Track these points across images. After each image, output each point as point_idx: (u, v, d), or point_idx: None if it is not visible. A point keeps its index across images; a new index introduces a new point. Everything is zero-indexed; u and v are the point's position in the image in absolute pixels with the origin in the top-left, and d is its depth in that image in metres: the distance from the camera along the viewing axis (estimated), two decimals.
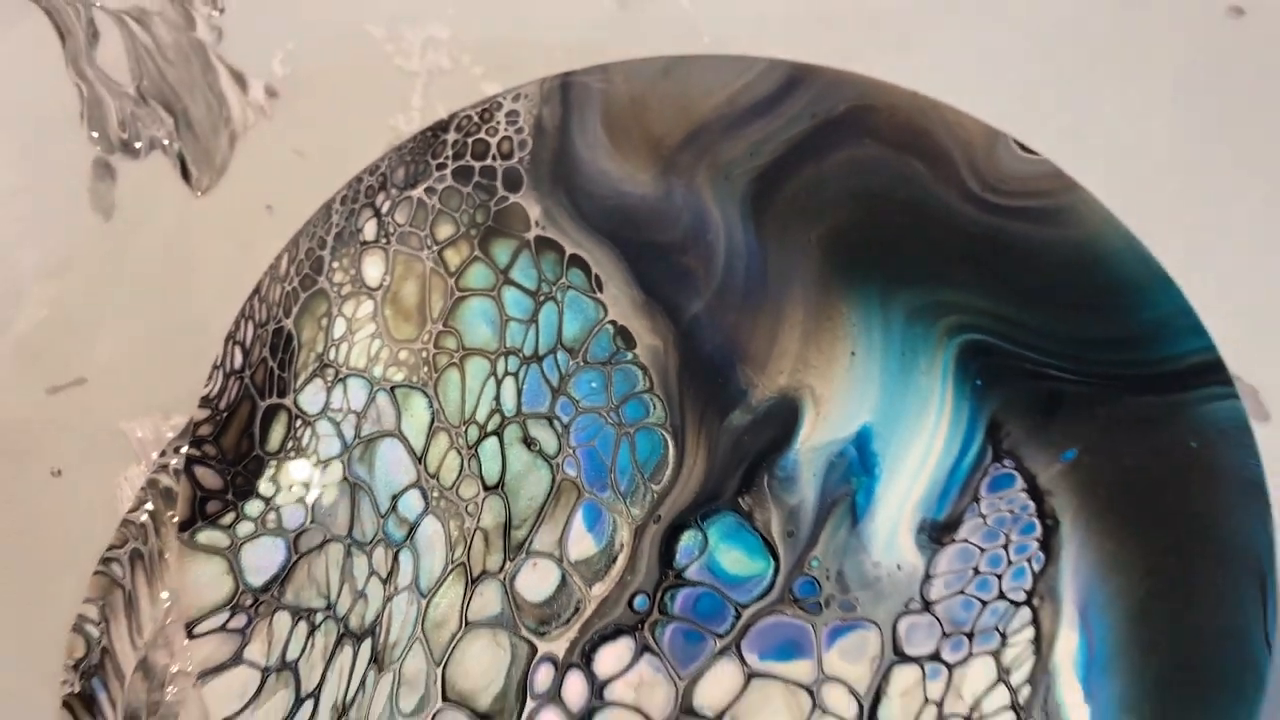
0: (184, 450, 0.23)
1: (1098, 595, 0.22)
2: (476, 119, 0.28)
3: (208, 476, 0.23)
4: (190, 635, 0.21)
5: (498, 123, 0.28)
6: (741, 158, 0.27)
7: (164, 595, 0.25)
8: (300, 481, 0.23)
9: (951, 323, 0.25)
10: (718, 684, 0.21)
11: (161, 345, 0.29)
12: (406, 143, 0.28)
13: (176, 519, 0.23)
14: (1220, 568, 0.22)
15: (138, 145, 0.32)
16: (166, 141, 0.32)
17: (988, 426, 0.23)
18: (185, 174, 0.31)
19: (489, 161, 0.27)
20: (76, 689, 0.24)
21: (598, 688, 0.21)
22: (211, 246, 0.30)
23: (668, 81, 0.28)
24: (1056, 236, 0.26)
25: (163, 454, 0.27)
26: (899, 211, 0.26)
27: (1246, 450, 0.23)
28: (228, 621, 0.21)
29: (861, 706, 0.21)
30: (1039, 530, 0.22)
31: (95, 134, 0.32)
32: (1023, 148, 0.27)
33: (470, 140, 0.27)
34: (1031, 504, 0.23)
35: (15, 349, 0.29)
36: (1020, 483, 0.23)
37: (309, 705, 0.21)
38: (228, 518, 0.22)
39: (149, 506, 0.26)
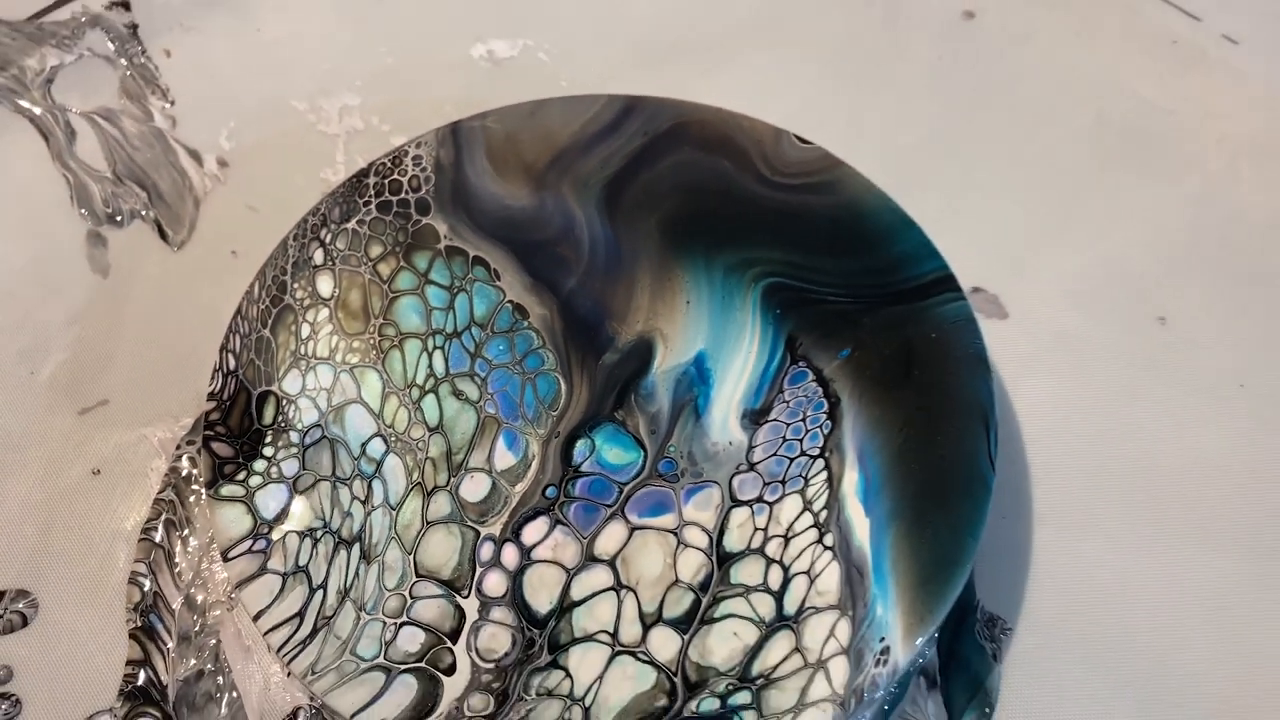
0: (202, 433, 0.32)
1: (869, 445, 0.31)
2: (389, 164, 0.36)
3: (222, 448, 0.31)
4: (225, 560, 0.29)
5: (406, 165, 0.36)
6: (595, 170, 0.36)
7: (192, 547, 0.33)
8: (292, 443, 0.31)
9: (756, 272, 0.34)
10: (610, 537, 0.30)
11: (163, 367, 0.37)
12: (338, 188, 0.36)
13: (203, 480, 0.31)
14: (955, 416, 0.31)
15: (119, 217, 0.40)
16: (144, 211, 0.40)
17: (786, 341, 0.33)
18: (163, 235, 0.40)
19: (403, 195, 0.36)
20: (139, 624, 0.32)
21: (526, 552, 0.30)
22: (192, 288, 0.38)
23: (533, 119, 0.37)
24: (828, 202, 0.35)
25: (178, 447, 0.35)
26: (713, 197, 0.35)
27: (972, 336, 0.33)
28: (251, 546, 0.30)
29: (711, 538, 0.30)
30: (826, 406, 0.32)
31: (84, 212, 0.40)
32: (800, 140, 0.36)
33: (387, 181, 0.36)
34: (819, 389, 0.32)
35: (49, 384, 0.36)
36: (811, 376, 0.32)
37: (320, 593, 0.29)
38: (241, 475, 0.31)
39: (173, 487, 0.34)
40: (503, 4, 0.44)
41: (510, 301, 0.34)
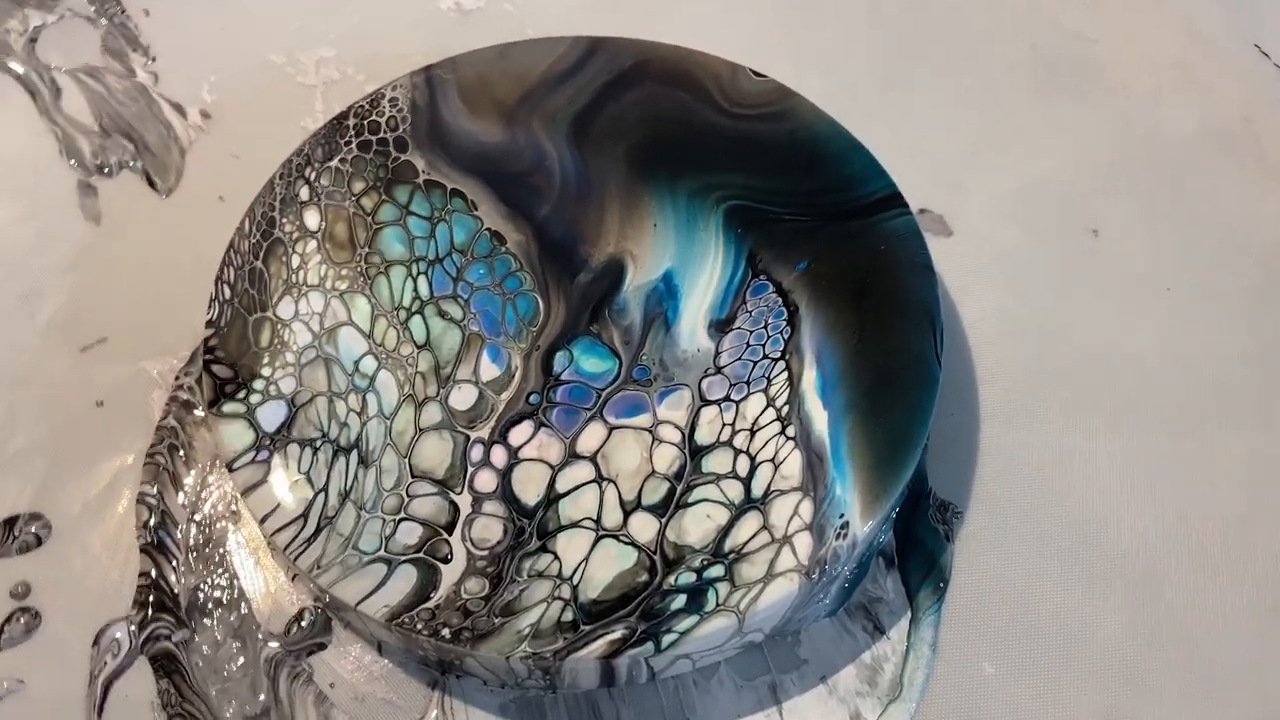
0: (201, 358, 0.34)
1: (826, 346, 0.34)
2: (368, 106, 0.38)
3: (221, 370, 0.33)
4: (230, 470, 0.32)
5: (383, 107, 0.38)
6: (563, 106, 0.38)
7: (195, 468, 0.36)
8: (288, 363, 0.33)
9: (718, 195, 0.37)
10: (591, 436, 0.32)
11: (158, 305, 0.39)
12: (320, 130, 0.38)
13: (205, 399, 0.33)
14: (904, 319, 0.34)
15: (108, 169, 0.42)
16: (131, 162, 0.42)
17: (748, 257, 0.35)
18: (151, 183, 0.41)
19: (382, 134, 0.38)
20: (149, 540, 0.34)
21: (513, 452, 0.32)
22: (181, 232, 0.40)
23: (503, 61, 0.40)
24: (783, 129, 0.38)
25: (176, 378, 0.37)
26: (675, 127, 0.38)
27: (917, 246, 0.35)
28: (255, 457, 0.32)
29: (683, 433, 0.32)
30: (786, 314, 0.34)
31: (74, 163, 0.42)
32: (755, 73, 0.39)
33: (365, 122, 0.38)
34: (779, 299, 0.34)
35: (49, 325, 0.38)
36: (771, 288, 0.35)
37: (322, 496, 0.31)
38: (241, 394, 0.33)
39: (173, 415, 0.37)
40: None
41: (488, 229, 0.36)
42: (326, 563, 0.31)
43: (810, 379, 0.33)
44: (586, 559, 0.31)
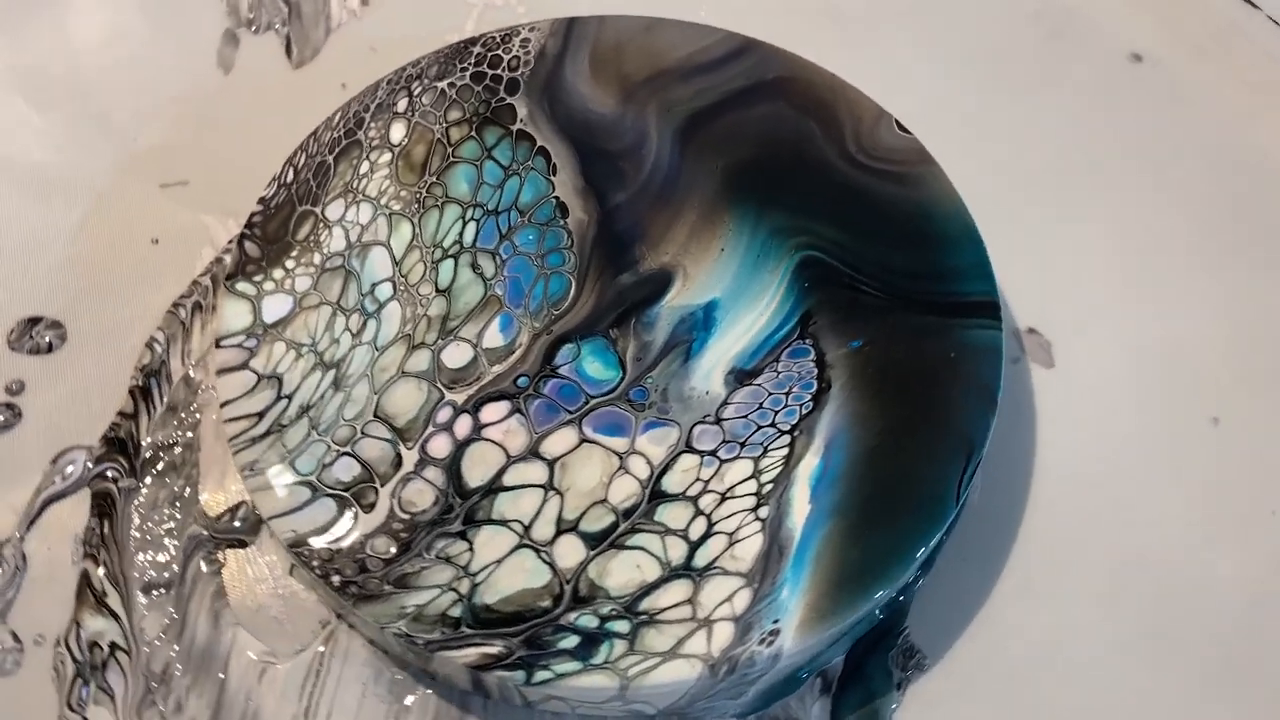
0: (243, 230, 0.34)
1: (843, 437, 0.30)
2: (499, 39, 0.37)
3: (252, 248, 0.33)
4: (217, 345, 0.32)
5: (514, 45, 0.37)
6: (685, 99, 0.36)
7: (208, 333, 0.36)
8: (313, 263, 0.33)
9: (801, 241, 0.34)
10: (560, 440, 0.30)
11: (245, 168, 0.39)
12: (446, 49, 0.37)
13: (227, 271, 0.33)
14: (940, 438, 0.31)
15: (256, 26, 0.42)
16: (279, 25, 0.42)
17: (803, 315, 0.32)
18: (288, 51, 0.42)
19: (499, 71, 0.37)
20: (140, 383, 0.35)
21: (478, 427, 0.31)
22: (295, 105, 0.41)
23: (647, 35, 0.38)
24: (903, 195, 0.34)
25: (229, 242, 0.38)
26: (789, 157, 0.35)
27: (991, 369, 0.31)
28: (243, 342, 0.32)
29: (652, 473, 0.30)
30: (814, 389, 0.31)
31: (229, 10, 0.43)
32: (901, 127, 0.35)
33: (490, 54, 0.37)
34: (815, 370, 0.31)
35: (143, 151, 0.39)
36: (812, 355, 0.32)
37: (284, 402, 0.31)
38: (258, 277, 0.33)
39: (211, 275, 0.37)
40: None
41: (556, 198, 0.34)
42: (259, 467, 0.30)
43: (809, 466, 0.30)
44: (499, 562, 0.29)
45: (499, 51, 0.37)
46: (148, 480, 0.33)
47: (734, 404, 0.31)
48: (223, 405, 0.31)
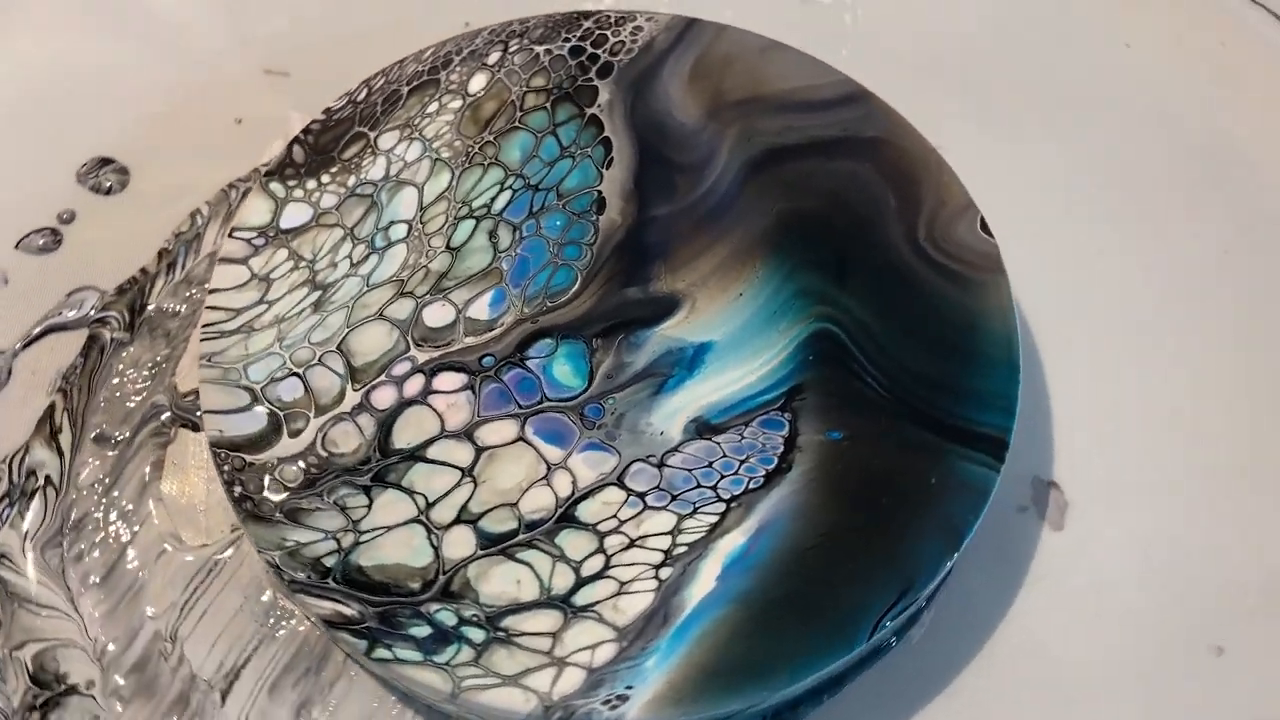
0: (299, 134, 0.34)
1: (779, 526, 0.28)
2: (613, 20, 0.36)
3: (298, 153, 0.34)
4: (230, 235, 0.32)
5: (625, 29, 0.36)
6: (770, 132, 0.34)
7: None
8: (346, 185, 0.33)
9: (824, 311, 0.31)
10: (497, 431, 0.30)
11: (345, 78, 0.40)
12: (558, 14, 0.37)
13: (268, 168, 0.34)
14: (881, 564, 0.28)
15: None
16: None
17: (793, 387, 0.30)
18: None
19: (598, 52, 0.36)
20: (169, 247, 0.36)
21: (426, 391, 0.30)
22: (409, 27, 0.41)
23: (759, 56, 0.36)
24: (955, 296, 0.32)
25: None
26: (850, 222, 0.33)
27: (969, 510, 0.29)
28: (253, 238, 0.32)
29: (573, 493, 0.29)
30: (772, 466, 0.29)
31: None
32: (985, 228, 0.33)
33: (598, 32, 0.36)
34: (782, 449, 0.29)
35: (259, 36, 0.41)
36: (785, 432, 0.30)
37: (263, 306, 0.31)
38: (293, 182, 0.33)
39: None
40: None
41: (599, 191, 0.33)
42: (216, 361, 0.31)
43: (732, 543, 0.28)
44: (388, 529, 0.28)
45: (608, 32, 0.36)
46: (139, 340, 0.35)
47: (684, 453, 0.29)
48: (210, 292, 0.32)
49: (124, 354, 0.34)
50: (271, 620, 0.31)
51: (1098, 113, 0.39)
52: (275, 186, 0.33)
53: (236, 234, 0.33)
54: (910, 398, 0.30)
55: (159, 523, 0.32)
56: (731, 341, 0.31)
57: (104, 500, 0.32)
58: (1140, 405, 0.34)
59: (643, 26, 0.37)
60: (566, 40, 0.36)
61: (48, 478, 0.32)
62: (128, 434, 0.33)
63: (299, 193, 0.33)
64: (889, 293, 0.32)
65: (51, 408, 0.33)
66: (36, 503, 0.32)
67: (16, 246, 0.36)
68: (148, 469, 0.33)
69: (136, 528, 0.32)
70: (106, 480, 0.32)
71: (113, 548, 0.31)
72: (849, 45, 0.41)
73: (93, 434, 0.33)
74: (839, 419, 0.30)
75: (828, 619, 0.27)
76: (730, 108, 0.35)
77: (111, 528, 0.32)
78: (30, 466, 0.32)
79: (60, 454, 0.33)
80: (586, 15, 0.37)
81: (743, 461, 0.29)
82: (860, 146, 0.34)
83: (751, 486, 0.29)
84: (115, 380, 0.34)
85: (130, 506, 0.32)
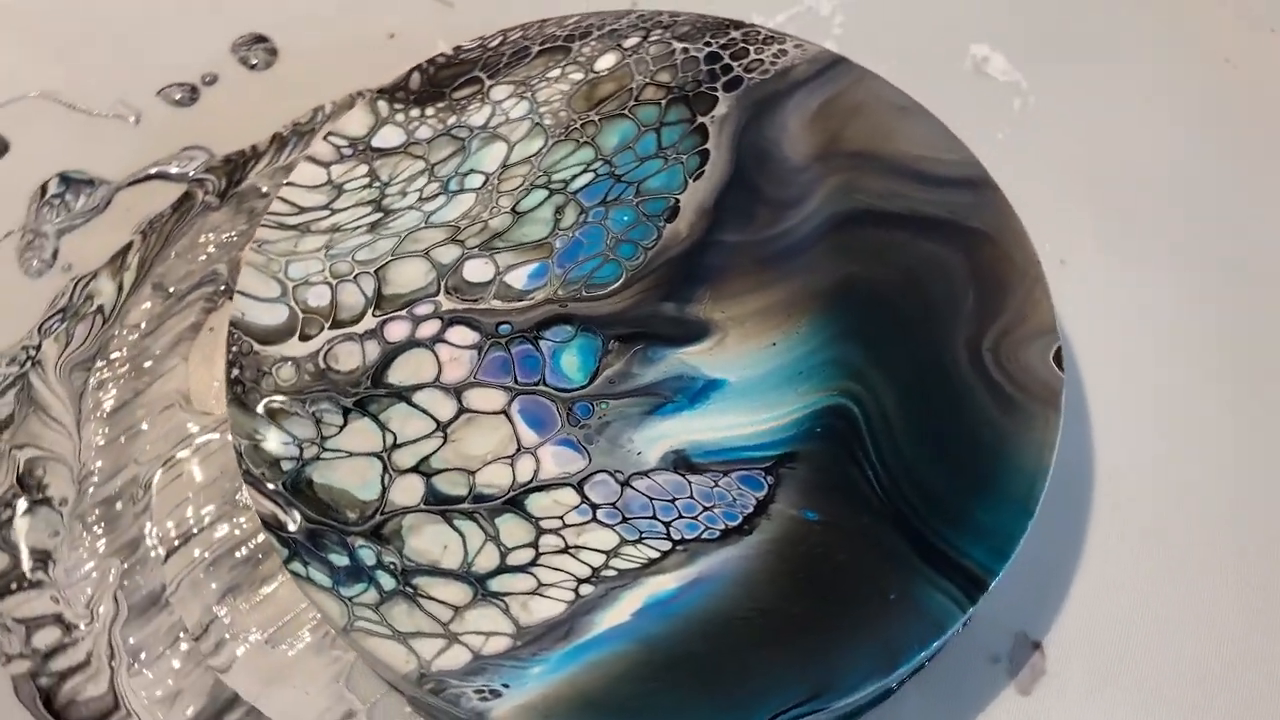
0: (423, 63, 0.35)
1: (715, 585, 0.27)
2: (759, 37, 0.36)
3: (415, 80, 0.35)
4: (324, 138, 0.34)
5: (770, 50, 0.36)
6: (872, 193, 0.33)
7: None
8: (443, 123, 0.34)
9: (851, 387, 0.30)
10: (484, 397, 0.30)
11: (503, 13, 0.40)
12: (710, 18, 0.36)
13: (379, 89, 0.35)
14: (800, 659, 0.27)
15: None
16: None
17: (787, 453, 0.29)
18: None
19: (734, 64, 0.35)
20: (284, 134, 0.38)
21: (436, 339, 0.31)
22: None
23: (892, 115, 0.35)
24: (994, 418, 0.30)
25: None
26: (918, 308, 0.31)
27: (917, 640, 0.27)
28: (342, 147, 0.33)
29: (533, 479, 0.29)
30: (734, 524, 0.28)
31: None
32: (1058, 360, 0.30)
33: (741, 45, 0.36)
34: (750, 511, 0.28)
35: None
36: (761, 494, 0.29)
37: (325, 212, 0.32)
38: (399, 105, 0.34)
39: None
40: None
41: (678, 199, 0.33)
42: (264, 248, 0.32)
43: (662, 584, 0.28)
44: (349, 455, 0.29)
45: (751, 47, 0.36)
46: (226, 208, 0.37)
47: (652, 480, 0.29)
48: (285, 184, 0.33)
49: (209, 218, 0.36)
50: (234, 505, 0.32)
51: (1233, 276, 0.35)
52: (381, 105, 0.34)
53: (330, 138, 0.34)
54: (903, 503, 0.28)
55: (176, 381, 0.34)
56: (745, 387, 0.30)
57: (140, 343, 0.34)
58: (1163, 610, 0.30)
59: (788, 51, 0.36)
60: (708, 44, 0.36)
61: (100, 307, 0.34)
62: (182, 290, 0.35)
63: (400, 117, 0.34)
64: (927, 391, 0.30)
65: (128, 246, 0.36)
66: (83, 326, 0.34)
67: (157, 94, 0.39)
68: (185, 327, 0.34)
69: (156, 379, 0.34)
70: (147, 326, 0.34)
71: (128, 389, 0.33)
72: (1009, 129, 0.39)
73: (153, 281, 0.35)
74: (820, 500, 0.28)
75: (726, 694, 0.26)
76: (842, 156, 0.34)
77: (135, 370, 0.34)
78: (90, 292, 0.35)
79: (120, 289, 0.35)
80: (736, 25, 0.36)
81: (706, 509, 0.28)
82: (960, 234, 0.32)
83: (705, 537, 0.28)
84: (191, 238, 0.36)
85: (158, 356, 0.34)
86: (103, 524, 0.31)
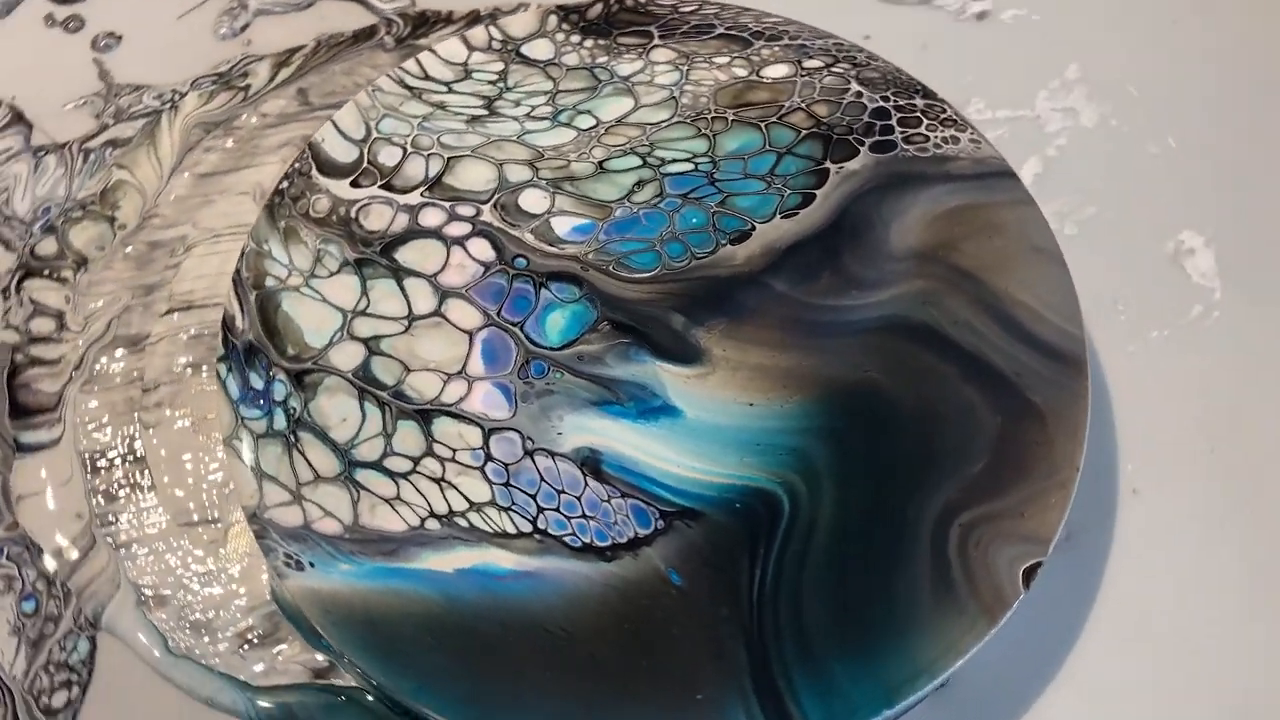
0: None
1: (544, 586, 0.27)
2: (940, 115, 0.33)
3: (595, 10, 0.35)
4: (485, 25, 0.34)
5: (944, 132, 0.33)
6: (949, 317, 0.31)
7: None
8: (594, 59, 0.34)
9: (795, 483, 0.28)
10: (462, 310, 0.30)
11: None
12: (906, 77, 0.34)
13: (562, 4, 0.35)
14: (569, 696, 0.26)
15: None
16: None
17: (691, 509, 0.28)
18: None
19: (896, 128, 0.33)
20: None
21: (458, 241, 0.31)
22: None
23: (1022, 250, 0.32)
24: (919, 597, 0.27)
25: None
26: (917, 452, 0.29)
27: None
28: (494, 40, 0.34)
29: (452, 405, 0.29)
30: (602, 543, 0.27)
31: None
32: (1027, 577, 0.27)
33: (917, 114, 0.33)
34: (623, 541, 0.27)
35: None
36: (644, 531, 0.27)
37: (443, 89, 0.34)
38: (565, 27, 0.35)
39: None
40: None
41: (755, 228, 0.32)
42: (375, 96, 0.34)
43: (496, 558, 0.27)
44: (321, 299, 0.30)
45: (926, 119, 0.33)
46: (396, 54, 0.38)
47: (555, 463, 0.28)
48: (426, 50, 0.34)
49: (378, 55, 0.38)
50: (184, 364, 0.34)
51: None
52: (551, 20, 0.35)
53: (490, 27, 0.35)
54: (769, 618, 0.26)
55: (263, 175, 0.36)
56: (697, 428, 0.29)
57: (258, 130, 0.37)
58: None
59: (961, 141, 0.33)
60: (885, 99, 0.34)
61: (249, 86, 0.37)
62: (318, 104, 0.37)
63: (560, 37, 0.35)
64: (870, 528, 0.27)
65: (301, 47, 0.38)
66: (226, 95, 0.37)
67: None
68: (299, 136, 0.37)
69: (249, 166, 0.36)
70: (273, 120, 0.37)
71: (225, 163, 0.36)
72: (1165, 332, 0.34)
73: (301, 84, 0.38)
74: (694, 570, 0.27)
75: (475, 691, 0.26)
76: (943, 265, 0.31)
77: (240, 151, 0.36)
78: (249, 71, 0.38)
79: (272, 79, 0.38)
80: (928, 95, 0.34)
81: (584, 517, 0.28)
82: (1011, 398, 0.29)
83: (566, 540, 0.27)
84: (352, 64, 0.38)
85: (263, 149, 0.36)
86: (137, 260, 0.34)
